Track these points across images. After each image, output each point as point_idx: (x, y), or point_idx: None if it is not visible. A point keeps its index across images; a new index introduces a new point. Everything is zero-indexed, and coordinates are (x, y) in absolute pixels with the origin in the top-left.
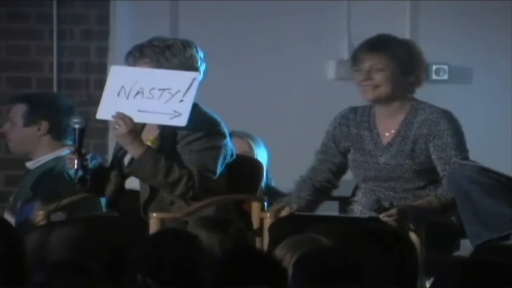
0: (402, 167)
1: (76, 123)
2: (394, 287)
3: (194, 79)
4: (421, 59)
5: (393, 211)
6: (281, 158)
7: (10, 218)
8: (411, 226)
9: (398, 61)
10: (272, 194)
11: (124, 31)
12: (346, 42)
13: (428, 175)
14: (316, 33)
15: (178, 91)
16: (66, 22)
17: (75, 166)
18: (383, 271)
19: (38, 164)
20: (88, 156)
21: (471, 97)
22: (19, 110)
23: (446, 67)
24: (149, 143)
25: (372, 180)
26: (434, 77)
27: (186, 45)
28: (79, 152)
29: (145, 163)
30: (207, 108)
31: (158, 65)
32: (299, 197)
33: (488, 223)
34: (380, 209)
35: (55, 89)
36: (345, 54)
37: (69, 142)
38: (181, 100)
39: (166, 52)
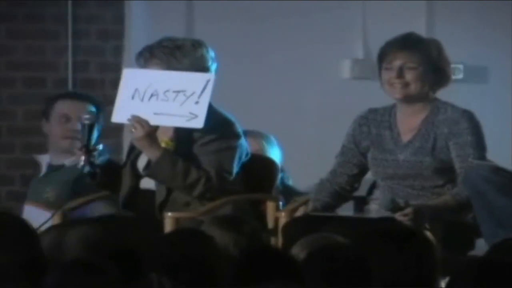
0: (422, 164)
1: (86, 119)
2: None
3: (209, 80)
4: (448, 58)
5: (408, 210)
6: (296, 157)
7: (44, 212)
8: (427, 225)
9: (429, 60)
10: (289, 192)
11: (139, 30)
12: (361, 42)
13: (447, 173)
14: (331, 33)
15: (193, 93)
16: (81, 22)
17: (82, 163)
18: (401, 272)
19: (76, 162)
20: (95, 153)
21: (487, 96)
22: (77, 107)
23: (461, 66)
24: (163, 145)
25: (390, 178)
26: None
27: (197, 45)
28: (86, 148)
29: (162, 166)
30: (222, 107)
31: (169, 65)
32: (316, 198)
33: (504, 223)
34: (395, 208)
35: (70, 89)
36: (360, 54)
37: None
38: (197, 102)
39: (176, 53)
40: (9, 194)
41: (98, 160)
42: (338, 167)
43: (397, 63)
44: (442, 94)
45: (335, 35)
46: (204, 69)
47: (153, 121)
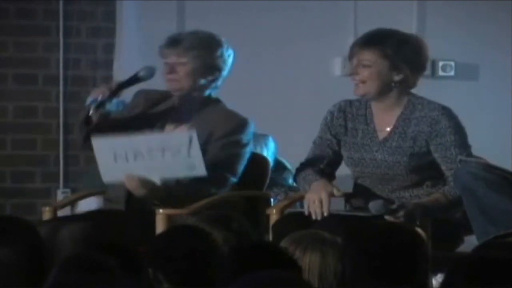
0: (400, 164)
1: (142, 70)
2: (406, 285)
3: (191, 137)
4: (418, 56)
5: (400, 213)
6: (287, 153)
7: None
8: (418, 223)
9: (387, 58)
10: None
11: (130, 28)
12: (352, 40)
13: (426, 171)
14: (323, 31)
15: (180, 150)
16: (73, 19)
17: (99, 98)
18: (392, 268)
19: None
20: (114, 101)
21: (477, 93)
22: None
23: (452, 63)
24: None
25: (368, 177)
26: (440, 73)
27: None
28: (115, 91)
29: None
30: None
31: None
32: (314, 176)
33: (495, 220)
34: (387, 212)
35: (61, 85)
36: None
37: None
38: (189, 157)
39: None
40: (0, 191)
41: (110, 107)
42: (314, 154)
43: (354, 60)
44: (432, 90)
45: (327, 34)
46: (218, 68)
47: (153, 176)
